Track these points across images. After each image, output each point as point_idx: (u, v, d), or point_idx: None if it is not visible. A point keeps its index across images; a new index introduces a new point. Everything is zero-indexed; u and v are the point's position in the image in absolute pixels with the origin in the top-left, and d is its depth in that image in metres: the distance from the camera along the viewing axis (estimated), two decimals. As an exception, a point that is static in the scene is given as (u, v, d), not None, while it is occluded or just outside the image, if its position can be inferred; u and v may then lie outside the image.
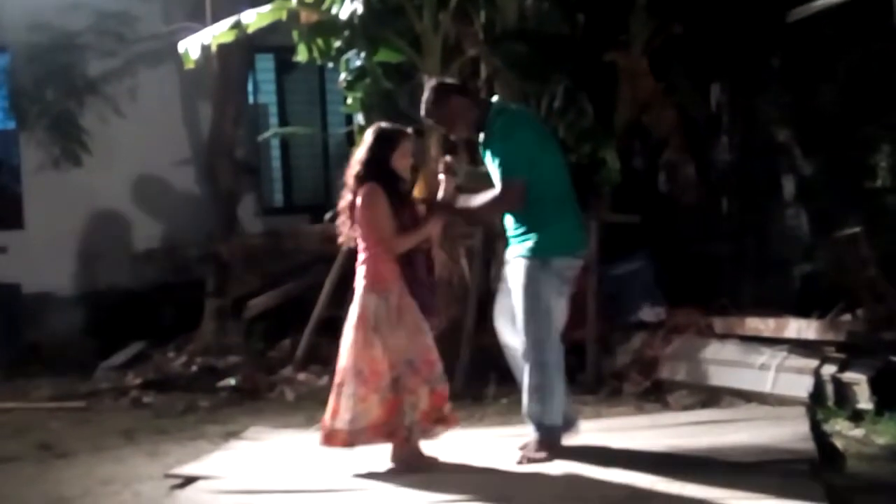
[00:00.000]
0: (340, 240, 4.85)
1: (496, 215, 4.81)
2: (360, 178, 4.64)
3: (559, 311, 4.66)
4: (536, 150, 4.67)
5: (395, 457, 4.69)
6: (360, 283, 4.68)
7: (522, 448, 4.74)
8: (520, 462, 4.65)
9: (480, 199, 4.73)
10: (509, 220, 4.76)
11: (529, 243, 4.64)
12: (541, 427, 4.67)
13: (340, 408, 4.65)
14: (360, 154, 4.72)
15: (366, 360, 4.61)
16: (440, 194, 4.82)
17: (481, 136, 4.79)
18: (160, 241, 9.44)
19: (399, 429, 4.62)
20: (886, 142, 5.94)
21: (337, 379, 4.70)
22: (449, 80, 5.04)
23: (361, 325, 4.62)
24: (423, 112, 4.88)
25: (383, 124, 4.86)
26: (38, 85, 9.14)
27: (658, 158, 7.67)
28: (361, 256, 4.69)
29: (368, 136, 4.75)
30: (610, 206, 7.17)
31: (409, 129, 4.84)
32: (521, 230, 4.68)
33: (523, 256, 4.65)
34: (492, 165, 4.71)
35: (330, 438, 4.70)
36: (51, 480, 5.08)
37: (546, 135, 4.95)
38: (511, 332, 4.82)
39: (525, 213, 4.66)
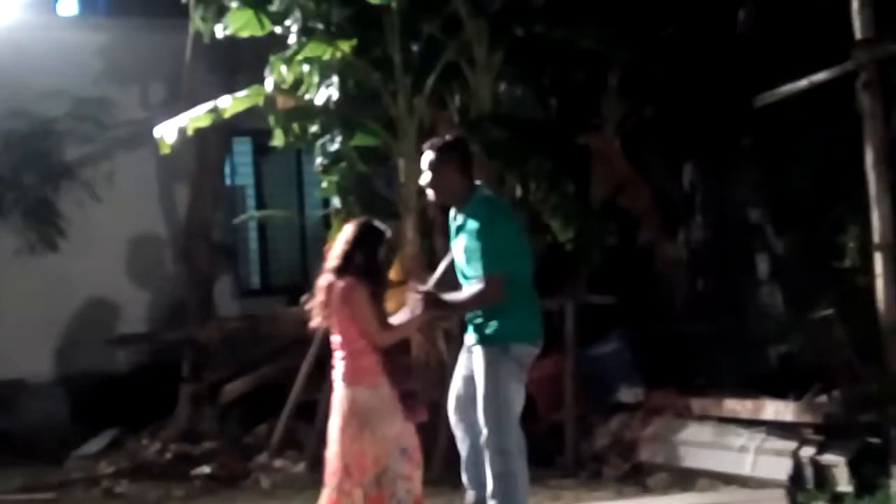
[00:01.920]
0: (312, 323, 4.77)
1: (480, 308, 4.76)
2: (342, 270, 4.61)
3: (518, 397, 4.63)
4: (514, 244, 4.67)
5: None
6: (342, 377, 4.60)
7: None
8: None
9: (465, 295, 4.67)
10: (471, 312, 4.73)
11: (490, 330, 4.62)
12: None
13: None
14: (342, 245, 4.65)
15: (352, 455, 4.51)
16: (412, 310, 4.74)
17: (457, 214, 4.77)
18: (136, 325, 9.36)
19: None
20: (855, 223, 6.02)
21: (329, 468, 4.62)
22: (464, 145, 4.96)
23: (352, 419, 4.53)
24: (424, 159, 4.77)
25: (368, 220, 4.81)
26: (16, 171, 9.15)
27: (633, 238, 7.73)
28: (341, 352, 4.64)
29: (352, 230, 4.70)
30: (586, 286, 7.20)
31: (386, 228, 4.82)
32: (482, 316, 4.65)
33: (483, 343, 4.63)
34: (461, 246, 4.69)
35: None
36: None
37: (519, 225, 4.95)
38: (458, 416, 4.81)
39: None
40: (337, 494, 4.55)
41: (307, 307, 4.74)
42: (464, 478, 4.94)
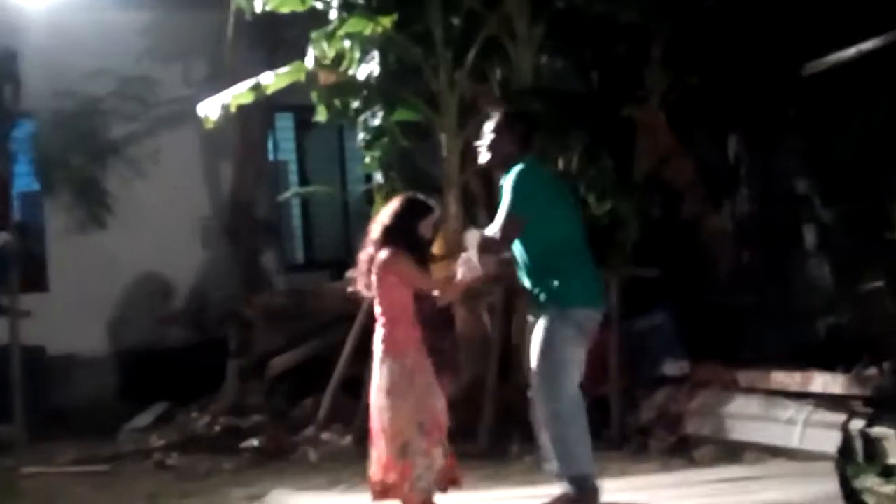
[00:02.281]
0: (356, 290, 4.83)
1: (496, 251, 4.78)
2: (385, 240, 4.66)
3: (575, 361, 4.62)
4: (546, 199, 4.70)
5: None
6: (378, 348, 4.68)
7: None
8: None
9: (486, 233, 4.72)
10: (527, 279, 4.75)
11: (547, 295, 4.64)
12: (570, 479, 4.58)
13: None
14: (387, 216, 4.72)
15: (381, 424, 4.61)
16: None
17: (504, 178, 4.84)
18: (183, 302, 9.49)
19: (411, 495, 4.55)
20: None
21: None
22: (532, 120, 5.10)
23: (380, 389, 4.62)
24: (489, 122, 4.89)
25: (415, 194, 4.86)
26: (63, 150, 9.29)
27: (677, 211, 7.67)
28: (379, 321, 4.71)
29: (398, 203, 4.75)
30: (630, 260, 7.16)
31: (437, 206, 4.86)
32: (540, 284, 4.68)
33: (542, 307, 4.65)
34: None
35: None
36: (75, 550, 5.07)
37: (560, 189, 4.95)
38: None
39: (541, 266, 4.68)
40: (375, 458, 4.64)
41: (350, 278, 4.80)
42: (553, 467, 4.89)
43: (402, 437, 4.54)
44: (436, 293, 4.75)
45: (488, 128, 4.89)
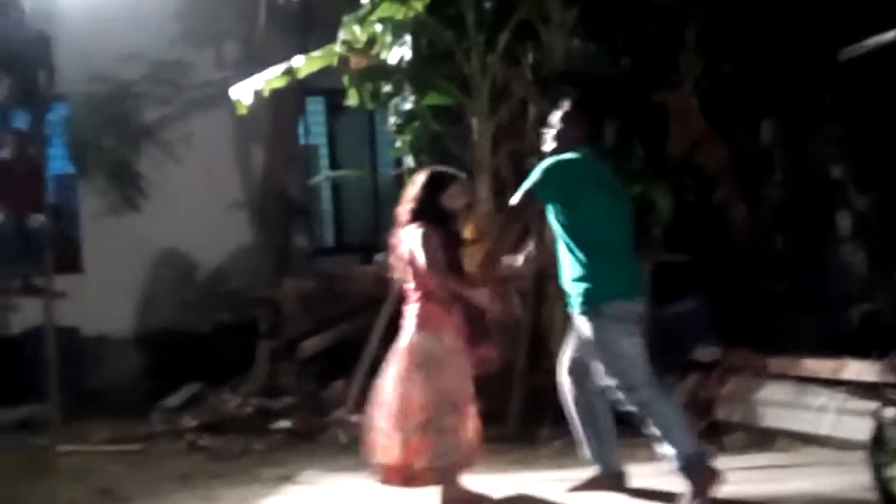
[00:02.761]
0: (393, 274, 4.85)
1: (509, 223, 4.92)
2: (412, 217, 4.68)
3: (632, 350, 4.56)
4: (582, 189, 4.67)
5: (445, 499, 4.63)
6: (410, 321, 4.68)
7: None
8: None
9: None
10: (563, 273, 4.75)
11: (579, 297, 4.63)
12: (682, 465, 4.48)
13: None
14: (411, 193, 4.76)
15: (399, 397, 4.56)
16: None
17: None
18: (215, 284, 9.57)
19: (426, 474, 4.55)
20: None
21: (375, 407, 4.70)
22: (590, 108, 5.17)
23: (406, 361, 4.59)
24: (559, 109, 4.92)
25: (436, 167, 4.89)
26: (97, 133, 9.37)
27: (710, 197, 7.62)
28: (413, 296, 4.70)
29: (420, 178, 4.79)
30: (663, 245, 7.13)
31: (462, 174, 4.88)
32: (571, 282, 4.68)
33: (577, 309, 4.65)
34: None
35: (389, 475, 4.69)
36: (111, 527, 5.15)
37: (604, 187, 4.83)
38: (571, 379, 4.84)
39: (573, 267, 4.65)
40: (373, 432, 4.61)
41: (387, 263, 4.82)
42: (586, 451, 4.93)
43: (425, 414, 4.50)
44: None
45: (556, 116, 4.90)
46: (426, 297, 4.64)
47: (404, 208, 4.73)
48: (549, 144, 4.90)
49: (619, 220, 4.77)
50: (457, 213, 4.82)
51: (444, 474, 4.57)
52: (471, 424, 4.64)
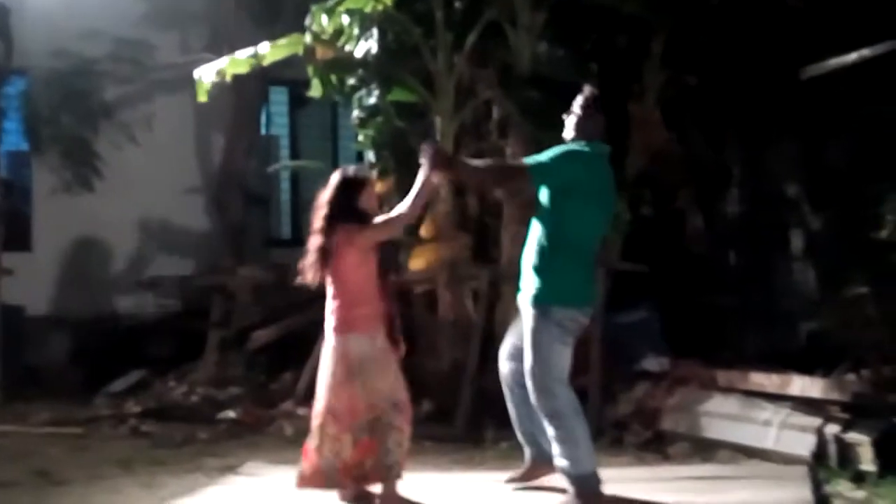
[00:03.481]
0: (307, 280, 4.73)
1: (489, 181, 4.84)
2: (330, 220, 4.65)
3: (561, 359, 4.58)
4: (575, 191, 4.58)
5: (385, 499, 4.63)
6: (335, 325, 4.62)
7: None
8: None
9: (483, 163, 4.70)
10: (525, 264, 4.73)
11: (535, 290, 4.61)
12: (572, 478, 4.54)
13: (313, 449, 4.62)
14: (326, 197, 4.70)
15: (342, 400, 4.55)
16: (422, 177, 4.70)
17: None
18: (167, 269, 9.45)
19: (376, 471, 4.55)
20: (893, 196, 5.95)
21: (315, 421, 4.67)
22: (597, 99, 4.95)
23: (341, 366, 4.56)
24: (581, 96, 4.83)
25: (348, 169, 4.87)
26: (55, 109, 9.22)
27: (667, 208, 7.68)
28: (335, 302, 4.65)
29: (333, 181, 4.74)
30: (618, 254, 7.17)
31: (372, 174, 4.88)
32: (530, 276, 4.66)
33: (528, 302, 4.64)
34: None
35: (304, 480, 4.66)
36: (46, 509, 5.06)
37: (601, 188, 4.75)
38: (507, 369, 4.84)
39: (540, 258, 4.62)
40: (319, 439, 4.58)
41: (300, 266, 4.77)
42: (518, 435, 4.95)
43: (371, 414, 4.51)
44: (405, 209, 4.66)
45: (577, 103, 4.80)
46: (356, 299, 4.60)
47: (320, 213, 4.69)
48: (567, 132, 4.80)
49: (597, 229, 4.74)
50: (372, 213, 4.80)
51: (389, 473, 4.57)
52: (409, 428, 4.63)
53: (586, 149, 4.68)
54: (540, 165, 4.56)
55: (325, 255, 4.60)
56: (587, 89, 4.86)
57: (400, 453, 4.54)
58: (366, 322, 4.57)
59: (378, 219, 4.63)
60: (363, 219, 4.65)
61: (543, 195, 4.61)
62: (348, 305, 4.59)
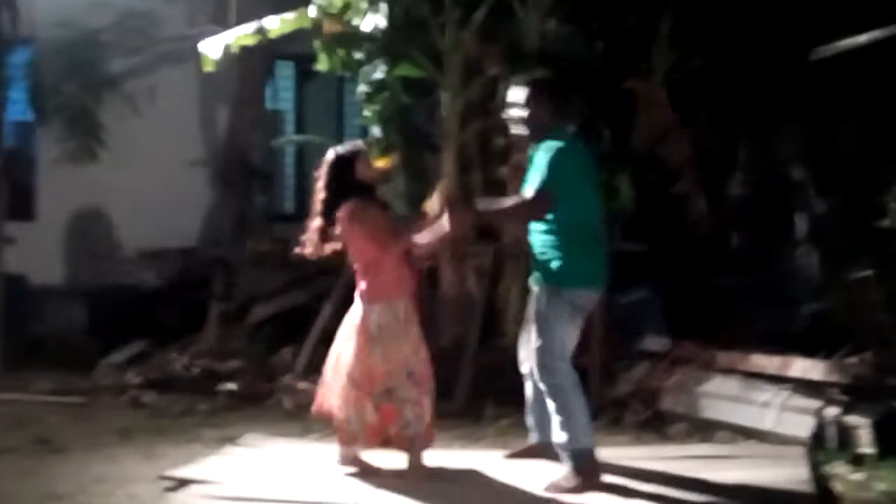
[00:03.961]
0: (306, 254, 4.86)
1: (519, 222, 4.72)
2: (331, 203, 4.68)
3: (568, 337, 4.64)
4: (576, 181, 4.64)
5: (410, 468, 4.73)
6: (361, 294, 4.74)
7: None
8: (546, 490, 4.56)
9: (506, 202, 4.65)
10: (534, 247, 4.75)
11: (547, 271, 4.65)
12: (569, 453, 4.61)
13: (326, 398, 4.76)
14: (322, 182, 4.78)
15: (360, 367, 4.65)
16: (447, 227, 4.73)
17: (533, 148, 4.79)
18: (170, 241, 9.45)
19: (399, 439, 4.66)
20: (900, 181, 5.94)
21: (336, 381, 4.73)
22: (557, 84, 4.98)
23: (361, 333, 4.66)
24: (517, 93, 4.78)
25: (338, 147, 4.90)
26: (59, 79, 9.17)
27: (671, 188, 7.65)
28: (357, 271, 4.76)
29: (326, 161, 4.80)
30: (621, 234, 7.16)
31: (361, 144, 4.94)
32: (542, 258, 4.68)
33: (539, 283, 4.68)
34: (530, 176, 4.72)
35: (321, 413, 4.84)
36: (45, 475, 5.08)
37: (590, 168, 4.84)
38: (525, 356, 4.88)
39: (550, 241, 4.66)
40: (343, 404, 4.66)
41: (301, 239, 4.85)
42: (528, 420, 5.05)
43: (386, 383, 4.60)
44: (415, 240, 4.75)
45: (516, 97, 4.78)
46: (375, 268, 4.64)
47: (318, 197, 4.76)
48: (517, 129, 4.82)
49: (597, 208, 4.81)
50: (374, 181, 4.87)
51: (412, 445, 4.69)
52: (428, 400, 4.69)
53: (562, 138, 4.70)
54: (551, 182, 4.54)
55: (325, 235, 4.73)
56: (529, 81, 4.81)
57: (421, 425, 4.65)
58: (388, 290, 4.67)
59: (396, 225, 4.74)
60: (363, 191, 4.71)
61: (531, 180, 4.63)
62: (369, 274, 4.70)
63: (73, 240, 9.19)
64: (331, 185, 4.73)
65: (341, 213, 4.67)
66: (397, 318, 4.65)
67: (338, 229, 4.72)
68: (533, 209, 4.60)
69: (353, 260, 4.77)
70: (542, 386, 4.64)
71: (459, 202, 4.88)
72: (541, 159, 4.61)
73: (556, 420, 4.61)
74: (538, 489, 4.59)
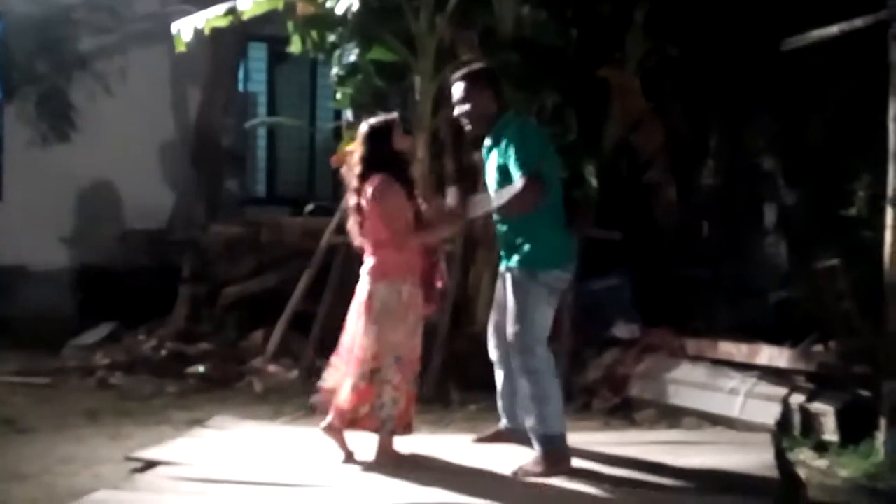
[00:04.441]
0: (356, 242, 4.80)
1: (520, 212, 4.69)
2: (365, 175, 4.65)
3: (545, 319, 4.66)
4: (547, 161, 4.67)
5: (379, 451, 4.72)
6: (368, 271, 4.68)
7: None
8: (514, 473, 4.58)
9: (501, 197, 4.62)
10: (503, 232, 4.75)
11: (519, 255, 4.65)
12: (540, 437, 4.62)
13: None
14: (359, 153, 4.70)
15: (357, 345, 4.65)
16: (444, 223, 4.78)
17: (488, 139, 4.79)
18: (140, 223, 9.38)
19: (370, 420, 4.63)
20: (867, 172, 5.99)
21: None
22: (492, 72, 4.96)
23: (365, 312, 4.64)
24: (456, 89, 4.79)
25: (371, 120, 4.84)
26: (29, 58, 9.07)
27: (642, 177, 7.69)
28: (367, 247, 4.71)
29: (361, 134, 4.74)
30: (593, 221, 7.18)
31: (395, 114, 4.86)
32: (514, 241, 4.69)
33: (513, 267, 4.67)
34: (494, 166, 4.71)
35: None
36: (10, 456, 5.04)
37: (551, 149, 4.88)
38: (495, 343, 4.89)
39: (519, 223, 4.67)
40: (331, 377, 4.75)
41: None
42: (498, 405, 5.05)
43: (373, 364, 4.59)
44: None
45: (457, 97, 4.78)
46: (386, 247, 4.63)
47: (356, 170, 4.68)
48: (468, 127, 4.83)
49: (560, 188, 4.82)
50: (407, 154, 4.81)
51: (384, 426, 4.67)
52: (409, 388, 4.68)
53: (516, 122, 4.71)
54: (533, 163, 4.53)
55: (363, 212, 4.65)
56: (464, 73, 4.81)
57: (396, 409, 4.62)
58: (394, 270, 4.62)
59: (399, 218, 4.61)
60: (398, 165, 4.67)
61: (514, 168, 4.59)
62: (377, 252, 4.66)
63: (41, 221, 9.08)
64: (366, 159, 4.65)
65: (368, 186, 4.61)
66: (399, 300, 4.62)
67: (362, 200, 4.66)
68: (531, 196, 4.55)
69: (364, 234, 4.70)
70: (519, 370, 4.64)
71: (457, 208, 4.82)
72: (512, 144, 4.60)
73: (530, 405, 4.62)
74: (507, 473, 4.60)
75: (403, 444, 4.83)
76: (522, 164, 4.52)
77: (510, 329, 4.65)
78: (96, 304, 8.57)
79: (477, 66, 5.01)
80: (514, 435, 4.91)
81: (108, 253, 9.20)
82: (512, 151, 4.57)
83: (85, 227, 9.34)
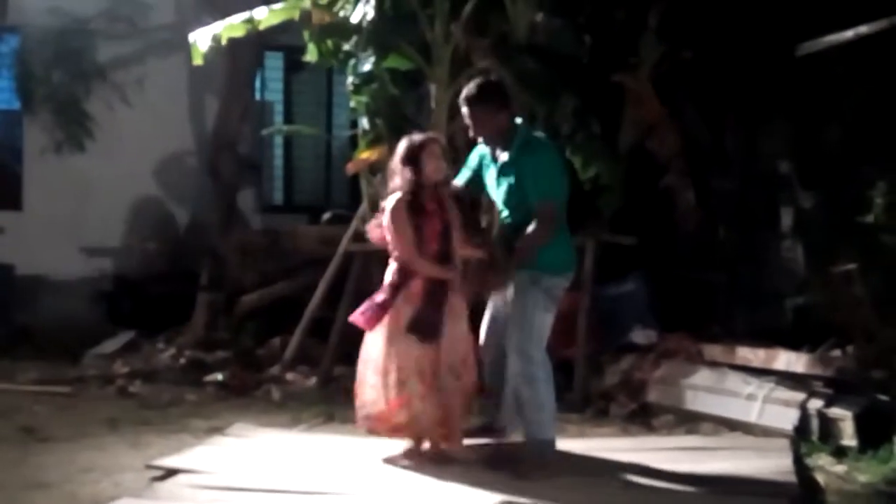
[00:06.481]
0: (370, 238, 5.03)
1: (544, 243, 4.73)
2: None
3: (543, 325, 4.73)
4: (560, 176, 4.80)
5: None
6: (392, 285, 4.77)
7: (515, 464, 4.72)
8: (505, 474, 4.62)
9: (528, 238, 4.66)
10: (510, 237, 4.78)
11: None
12: (532, 442, 4.69)
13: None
14: (393, 168, 4.81)
15: (384, 355, 4.75)
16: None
17: (503, 154, 4.82)
18: (157, 232, 9.44)
19: (404, 428, 4.76)
20: (884, 179, 5.96)
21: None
22: (499, 85, 5.03)
23: (390, 326, 4.75)
24: (466, 101, 4.84)
25: (410, 138, 4.87)
26: (47, 68, 9.15)
27: (659, 182, 7.69)
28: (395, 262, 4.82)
29: (397, 152, 4.82)
30: (608, 226, 7.18)
31: (433, 135, 4.91)
32: (514, 250, 4.72)
33: (518, 273, 4.70)
34: (508, 183, 4.76)
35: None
36: (31, 465, 5.07)
37: (561, 160, 4.99)
38: (485, 341, 4.95)
39: (521, 233, 4.71)
40: (362, 385, 4.83)
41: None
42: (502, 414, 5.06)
43: (402, 374, 4.69)
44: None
45: (469, 117, 4.82)
46: (401, 266, 4.77)
47: (392, 185, 4.78)
48: (481, 142, 4.87)
49: (567, 193, 4.88)
50: (438, 173, 4.77)
51: (415, 437, 4.82)
52: (435, 399, 4.71)
53: (532, 137, 4.79)
54: (557, 196, 4.68)
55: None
56: (473, 92, 4.82)
57: (426, 420, 4.71)
58: (416, 291, 4.70)
59: (403, 240, 4.70)
60: (418, 189, 4.70)
61: (535, 194, 4.66)
62: (401, 271, 4.75)
63: (60, 229, 9.16)
64: (402, 174, 4.74)
65: (385, 204, 4.72)
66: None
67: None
68: (551, 227, 4.66)
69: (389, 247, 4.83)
70: (516, 374, 4.68)
71: (484, 265, 4.84)
72: (532, 172, 4.66)
73: (524, 408, 4.66)
74: (497, 474, 4.62)
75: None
76: (544, 194, 4.64)
77: (509, 334, 4.70)
78: (115, 312, 8.62)
79: (481, 82, 4.98)
80: (493, 431, 5.01)
81: (126, 261, 9.26)
82: (532, 181, 4.66)
83: (102, 236, 9.40)
